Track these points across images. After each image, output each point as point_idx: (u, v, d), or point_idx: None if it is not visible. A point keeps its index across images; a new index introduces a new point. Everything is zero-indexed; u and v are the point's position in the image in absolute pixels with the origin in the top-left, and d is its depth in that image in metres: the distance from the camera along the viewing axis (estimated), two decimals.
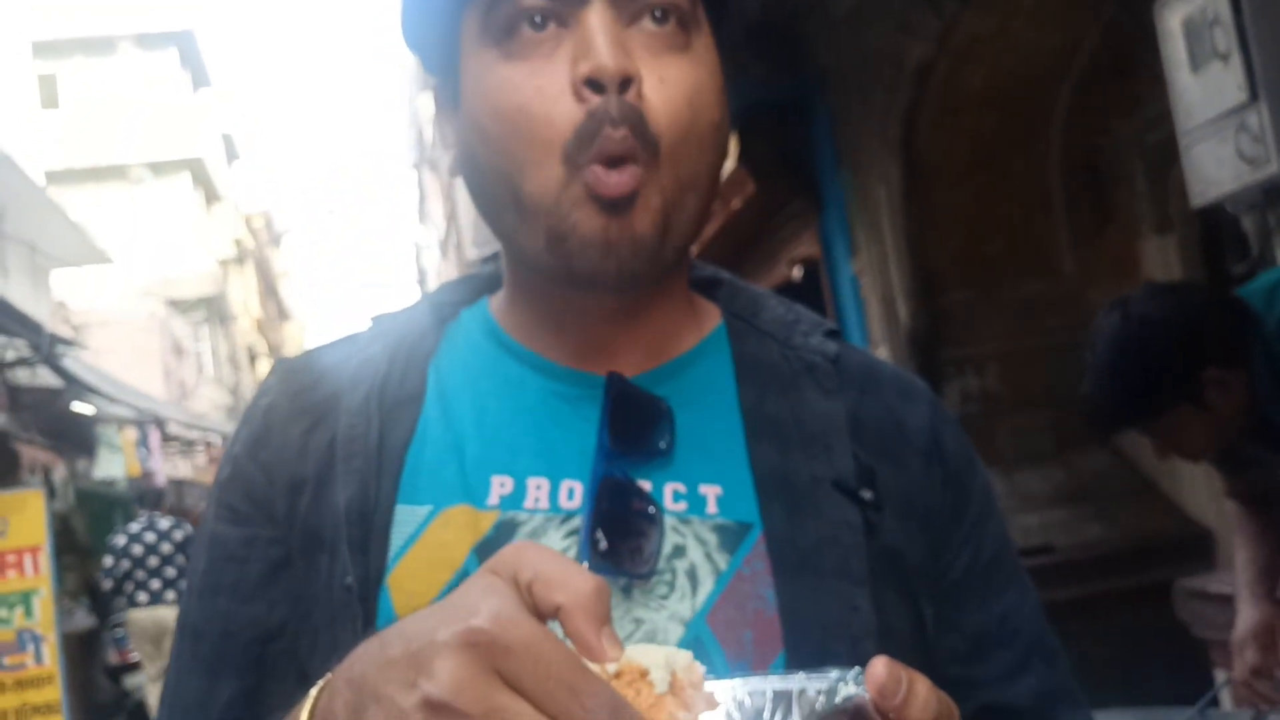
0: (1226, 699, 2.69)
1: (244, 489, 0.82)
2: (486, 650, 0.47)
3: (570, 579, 0.51)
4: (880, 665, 0.56)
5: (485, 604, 0.49)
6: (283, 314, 44.55)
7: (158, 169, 24.24)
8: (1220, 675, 2.30)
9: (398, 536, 0.78)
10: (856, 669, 0.59)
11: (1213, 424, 2.02)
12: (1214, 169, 2.25)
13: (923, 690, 0.57)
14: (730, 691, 0.60)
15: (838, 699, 0.58)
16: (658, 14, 0.75)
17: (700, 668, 0.55)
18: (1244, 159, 2.15)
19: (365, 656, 0.53)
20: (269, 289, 39.45)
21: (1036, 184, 4.59)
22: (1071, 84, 4.37)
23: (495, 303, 0.90)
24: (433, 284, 30.00)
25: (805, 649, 0.75)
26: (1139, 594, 3.72)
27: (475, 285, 0.94)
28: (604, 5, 0.74)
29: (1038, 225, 4.61)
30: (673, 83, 0.75)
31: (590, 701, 0.47)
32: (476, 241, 13.38)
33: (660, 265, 0.77)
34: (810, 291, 5.53)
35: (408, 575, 0.77)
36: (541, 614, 0.51)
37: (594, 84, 0.72)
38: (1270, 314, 2.00)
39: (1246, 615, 2.25)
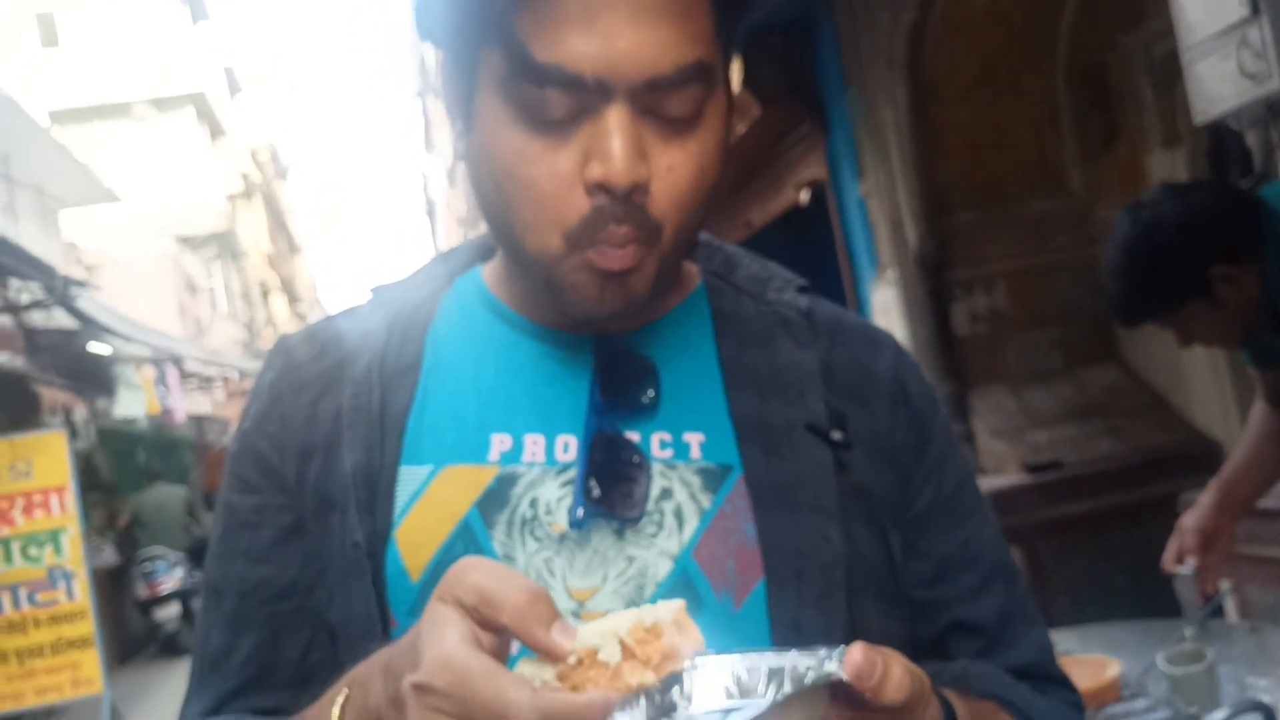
0: (1231, 609, 2.75)
1: (254, 461, 0.88)
2: (428, 696, 0.56)
3: (508, 595, 0.58)
4: (857, 651, 0.61)
5: (430, 649, 0.58)
6: (293, 248, 44.52)
7: (161, 105, 24.07)
8: (1224, 584, 2.35)
9: (402, 495, 0.84)
10: (841, 648, 0.64)
11: (1225, 318, 2.08)
12: (1216, 85, 2.24)
13: (897, 671, 0.62)
14: (730, 667, 0.66)
15: (821, 673, 0.63)
16: (674, 109, 0.76)
17: (650, 617, 0.60)
18: (1246, 75, 2.13)
19: (374, 688, 0.65)
20: (278, 223, 39.36)
21: (1044, 101, 4.55)
22: None
23: (488, 271, 0.95)
24: (441, 214, 29.85)
25: (783, 576, 0.81)
26: (1146, 508, 3.77)
27: (467, 255, 0.98)
28: (623, 106, 0.74)
29: (1046, 142, 4.58)
30: (680, 167, 0.77)
31: (516, 716, 0.54)
32: None
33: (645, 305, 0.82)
34: (817, 215, 5.52)
35: (412, 530, 0.83)
36: (494, 632, 0.58)
37: (604, 188, 0.75)
38: None
39: (1200, 510, 2.27)
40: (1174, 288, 2.07)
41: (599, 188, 0.75)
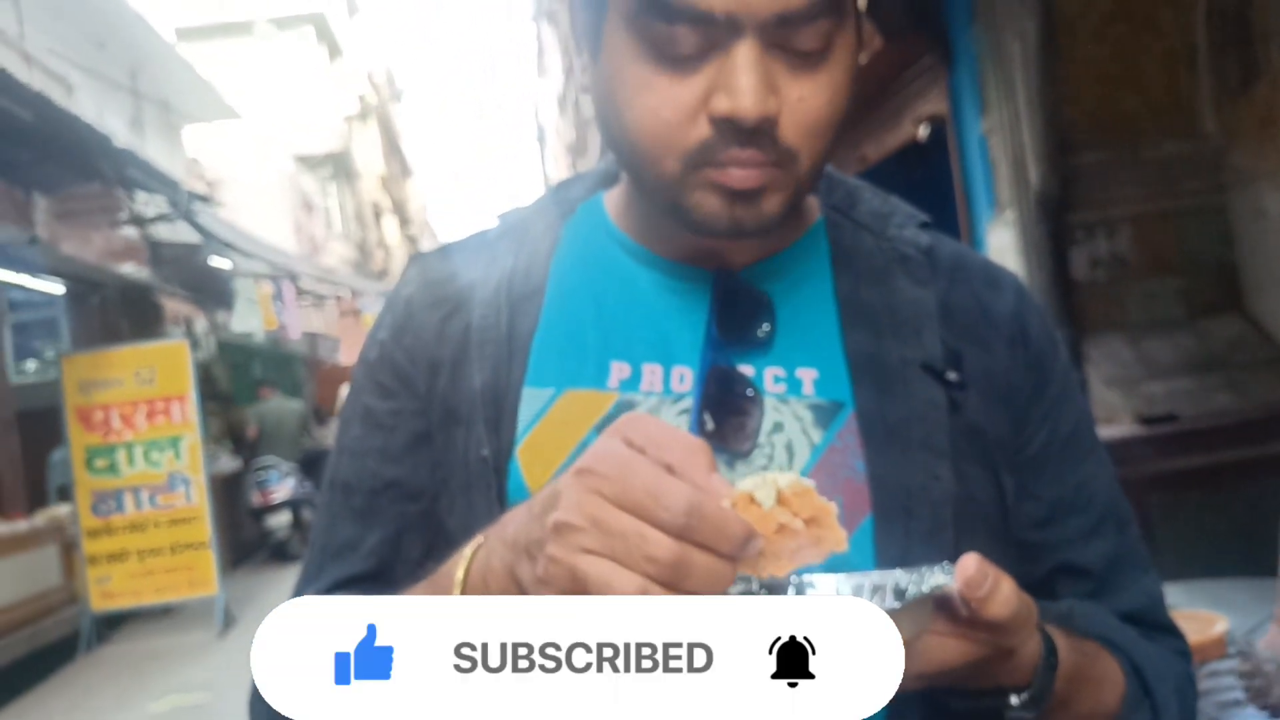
0: None
1: (391, 368, 0.92)
2: (589, 477, 0.60)
3: (676, 440, 0.61)
4: (970, 561, 0.64)
5: (595, 451, 0.62)
6: (405, 170, 45.08)
7: (281, 24, 24.43)
8: None
9: (525, 415, 0.86)
10: (946, 563, 0.65)
11: None
12: None
13: (1006, 587, 0.64)
14: (833, 583, 0.69)
15: (925, 587, 0.64)
16: (803, 42, 0.75)
17: (807, 482, 0.63)
18: None
19: (515, 520, 0.67)
20: (392, 145, 39.85)
21: (1181, 38, 4.36)
22: None
23: (611, 200, 0.96)
24: (551, 141, 29.89)
25: (891, 512, 0.82)
26: (1263, 465, 3.66)
27: (591, 182, 0.99)
28: (753, 41, 0.73)
29: (1180, 82, 4.40)
30: (811, 98, 0.77)
31: (666, 500, 0.57)
32: None
33: (779, 227, 0.82)
34: (936, 151, 5.39)
35: (534, 448, 0.85)
36: None
37: (731, 121, 0.74)
38: None
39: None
40: None
41: (725, 120, 0.75)
